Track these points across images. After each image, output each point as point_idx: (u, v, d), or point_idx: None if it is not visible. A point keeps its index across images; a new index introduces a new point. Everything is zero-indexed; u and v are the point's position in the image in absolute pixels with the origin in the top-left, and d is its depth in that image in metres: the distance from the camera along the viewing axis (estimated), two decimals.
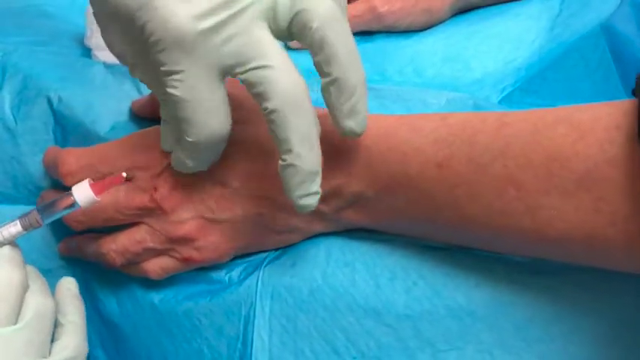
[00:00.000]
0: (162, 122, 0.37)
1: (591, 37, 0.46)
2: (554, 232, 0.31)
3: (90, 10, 0.35)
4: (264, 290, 0.38)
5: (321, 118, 0.34)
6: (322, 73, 0.33)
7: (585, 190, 0.30)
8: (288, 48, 0.49)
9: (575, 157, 0.30)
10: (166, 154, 0.38)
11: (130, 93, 0.44)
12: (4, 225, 0.34)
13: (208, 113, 0.33)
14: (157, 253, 0.39)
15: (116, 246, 0.38)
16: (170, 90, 0.32)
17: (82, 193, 0.34)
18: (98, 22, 0.35)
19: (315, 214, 0.37)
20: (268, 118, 0.32)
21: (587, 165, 0.30)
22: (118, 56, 0.36)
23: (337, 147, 0.36)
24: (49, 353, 0.34)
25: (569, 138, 0.31)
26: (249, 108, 0.38)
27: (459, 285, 0.36)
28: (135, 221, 0.38)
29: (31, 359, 0.32)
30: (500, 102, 0.46)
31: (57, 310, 0.35)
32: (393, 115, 0.37)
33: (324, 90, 0.33)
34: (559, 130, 0.31)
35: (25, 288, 0.34)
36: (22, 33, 0.49)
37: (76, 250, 0.41)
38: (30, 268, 0.36)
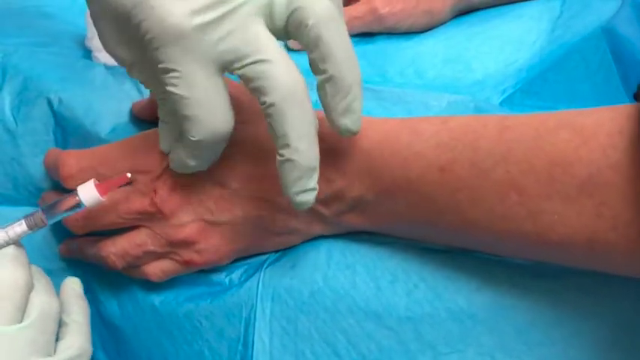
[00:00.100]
0: (160, 122, 0.37)
1: (592, 38, 0.46)
2: (555, 236, 0.31)
3: None
4: (265, 292, 0.38)
5: (321, 121, 0.34)
6: (317, 71, 0.33)
7: (587, 195, 0.30)
8: (288, 49, 0.49)
9: (578, 162, 0.30)
10: (166, 156, 0.37)
11: (130, 94, 0.43)
12: (10, 225, 0.35)
13: (210, 110, 0.32)
14: (157, 256, 0.38)
15: (116, 249, 0.38)
16: (169, 88, 0.32)
17: (87, 193, 0.34)
18: (94, 23, 0.35)
19: (316, 216, 0.37)
20: (266, 112, 0.32)
21: (589, 170, 0.30)
22: (115, 57, 0.36)
23: (338, 150, 0.36)
24: (54, 352, 0.34)
25: (572, 143, 0.31)
26: (248, 108, 0.37)
27: (460, 288, 0.36)
28: (135, 224, 0.38)
29: (35, 358, 0.32)
30: (501, 103, 0.46)
31: (61, 309, 0.35)
32: (393, 118, 0.37)
33: (320, 88, 0.33)
34: (561, 135, 0.31)
35: (29, 287, 0.34)
36: (22, 34, 0.49)
37: (77, 251, 0.41)
38: (35, 268, 0.36)
